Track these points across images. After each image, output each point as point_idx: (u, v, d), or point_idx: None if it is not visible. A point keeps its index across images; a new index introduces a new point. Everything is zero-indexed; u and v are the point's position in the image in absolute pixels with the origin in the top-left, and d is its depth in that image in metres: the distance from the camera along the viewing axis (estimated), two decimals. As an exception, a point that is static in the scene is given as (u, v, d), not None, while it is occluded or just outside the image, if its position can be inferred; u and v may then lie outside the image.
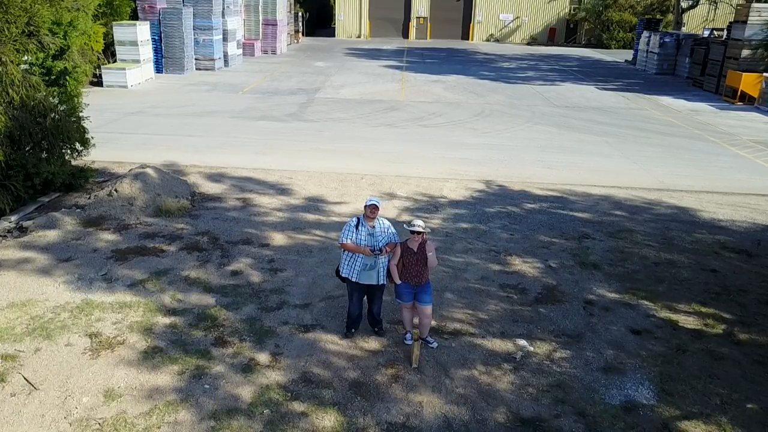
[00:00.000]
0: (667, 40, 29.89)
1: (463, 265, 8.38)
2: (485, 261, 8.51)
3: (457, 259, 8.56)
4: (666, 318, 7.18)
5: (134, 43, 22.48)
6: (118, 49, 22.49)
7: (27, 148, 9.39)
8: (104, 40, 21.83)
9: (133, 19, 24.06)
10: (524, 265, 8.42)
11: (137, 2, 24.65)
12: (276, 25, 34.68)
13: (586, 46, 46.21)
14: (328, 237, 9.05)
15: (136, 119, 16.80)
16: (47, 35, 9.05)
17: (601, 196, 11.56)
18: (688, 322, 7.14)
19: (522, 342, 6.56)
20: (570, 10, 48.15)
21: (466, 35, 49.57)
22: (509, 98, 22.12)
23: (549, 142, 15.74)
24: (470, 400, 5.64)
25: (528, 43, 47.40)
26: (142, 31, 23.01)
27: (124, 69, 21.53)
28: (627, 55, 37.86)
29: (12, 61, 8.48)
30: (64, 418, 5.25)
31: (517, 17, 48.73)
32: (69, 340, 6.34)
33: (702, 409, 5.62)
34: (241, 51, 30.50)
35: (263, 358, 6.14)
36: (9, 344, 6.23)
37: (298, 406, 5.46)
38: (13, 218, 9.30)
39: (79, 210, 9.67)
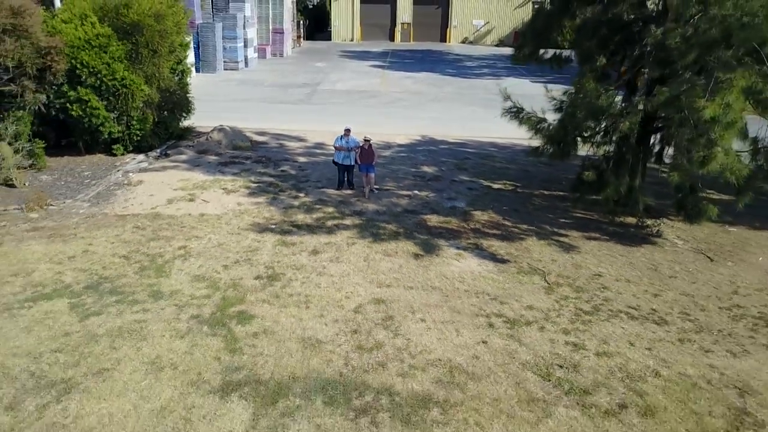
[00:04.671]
0: (593, 43, 37.80)
1: (396, 169, 16.38)
2: (408, 167, 16.53)
3: (394, 167, 16.56)
4: (487, 185, 15.21)
5: (182, 50, 30.36)
6: (170, 54, 30.37)
7: (164, 113, 17.32)
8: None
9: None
10: (427, 168, 16.44)
11: (181, 19, 32.54)
12: (283, 33, 42.60)
13: (545, 46, 54.11)
14: (328, 157, 16.98)
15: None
16: (177, 51, 16.97)
17: (488, 142, 19.57)
18: (497, 185, 15.16)
19: (416, 191, 14.57)
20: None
21: (444, 38, 57.53)
22: (459, 89, 30.11)
23: (473, 115, 23.73)
24: (387, 205, 13.64)
25: (497, 45, 55.37)
26: (188, 54, 30.83)
27: (176, 69, 29.41)
28: (573, 54, 45.74)
29: (163, 66, 16.38)
30: (223, 207, 13.21)
31: (488, 22, 56.72)
32: (213, 190, 14.31)
33: (482, 208, 13.62)
34: (256, 54, 38.42)
35: (301, 195, 14.13)
36: (188, 192, 14.19)
37: (317, 206, 13.45)
38: (158, 150, 17.26)
39: (191, 147, 17.64)
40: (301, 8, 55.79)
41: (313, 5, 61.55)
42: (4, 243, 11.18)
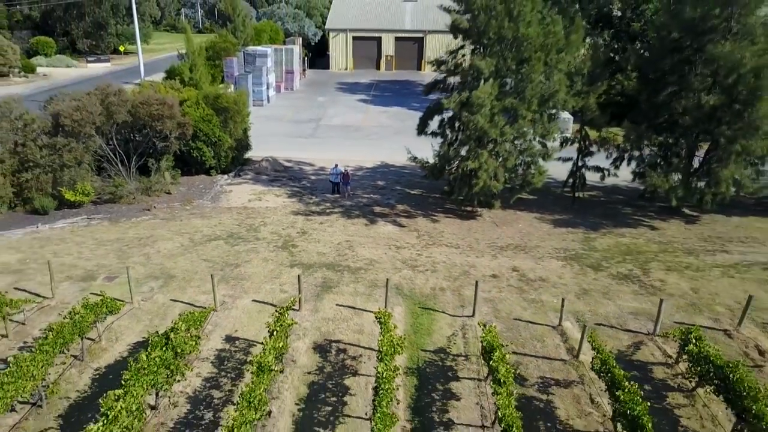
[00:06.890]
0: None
1: (363, 183, 30.54)
2: (369, 182, 30.72)
3: (362, 182, 30.72)
4: (408, 191, 29.37)
5: (227, 96, 44.47)
6: (219, 99, 44.48)
7: (236, 151, 31.45)
8: (213, 95, 43.81)
9: (221, 82, 46.08)
10: (380, 182, 30.63)
11: (225, 71, 46.70)
12: (293, 72, 56.66)
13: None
14: (326, 177, 31.08)
15: (242, 138, 38.79)
16: (245, 118, 31.06)
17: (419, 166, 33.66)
18: (414, 192, 29.31)
19: (371, 195, 28.73)
20: (490, 50, 70.09)
21: (420, 67, 71.56)
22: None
23: (418, 146, 37.82)
24: (356, 203, 27.77)
25: (461, 73, 69.32)
26: (230, 88, 44.97)
27: (224, 110, 43.47)
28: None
29: (238, 128, 30.42)
30: (276, 203, 27.33)
31: (455, 55, 70.58)
32: (269, 195, 28.46)
33: (402, 203, 27.75)
34: (274, 92, 52.45)
35: (313, 197, 28.31)
36: (256, 195, 28.34)
37: (321, 203, 27.59)
38: (233, 173, 31.41)
39: (251, 170, 31.81)
40: (305, 44, 69.76)
41: (315, 43, 75.54)
42: (183, 219, 25.36)
